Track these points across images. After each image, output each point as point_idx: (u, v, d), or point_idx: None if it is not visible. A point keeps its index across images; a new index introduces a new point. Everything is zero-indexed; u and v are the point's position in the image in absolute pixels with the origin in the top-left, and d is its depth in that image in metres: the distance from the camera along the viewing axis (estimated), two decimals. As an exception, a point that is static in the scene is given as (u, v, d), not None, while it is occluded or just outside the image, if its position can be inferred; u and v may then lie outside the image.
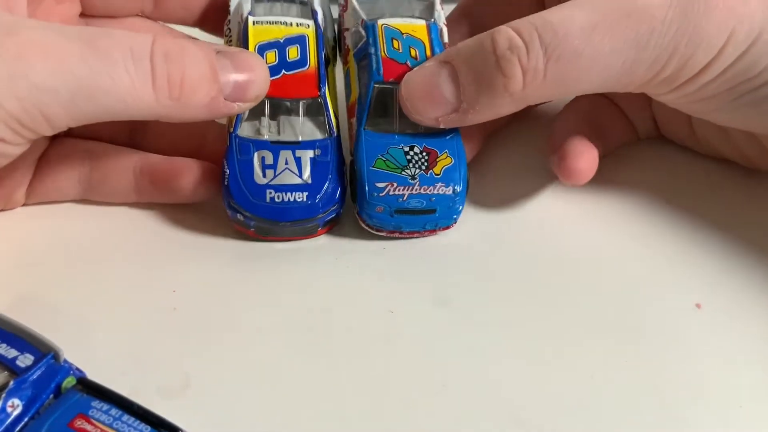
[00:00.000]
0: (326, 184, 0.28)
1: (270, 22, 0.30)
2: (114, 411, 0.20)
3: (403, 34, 0.30)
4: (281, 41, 0.29)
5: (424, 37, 0.30)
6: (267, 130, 0.28)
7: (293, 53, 0.29)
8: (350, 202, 0.29)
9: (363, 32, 0.30)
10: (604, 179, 0.28)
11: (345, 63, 0.31)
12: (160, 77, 0.25)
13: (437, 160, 0.28)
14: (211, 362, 0.24)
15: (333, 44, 0.31)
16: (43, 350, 0.21)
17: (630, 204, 0.31)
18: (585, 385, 0.24)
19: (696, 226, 0.30)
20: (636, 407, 0.23)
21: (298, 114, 0.29)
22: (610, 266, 0.28)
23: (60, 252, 0.28)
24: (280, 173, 0.27)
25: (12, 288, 0.27)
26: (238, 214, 0.27)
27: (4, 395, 0.20)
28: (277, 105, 0.28)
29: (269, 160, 0.27)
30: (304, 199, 0.27)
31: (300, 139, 0.28)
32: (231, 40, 0.30)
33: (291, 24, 0.30)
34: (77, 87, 0.23)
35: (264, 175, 0.27)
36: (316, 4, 0.31)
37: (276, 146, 0.28)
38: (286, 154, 0.28)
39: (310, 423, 0.23)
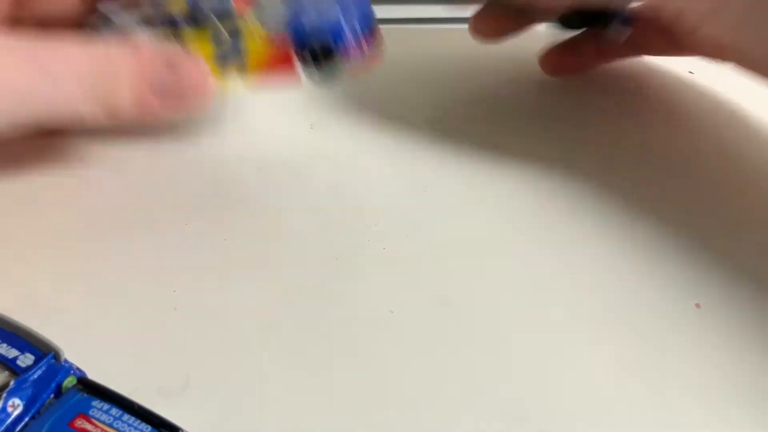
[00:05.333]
0: None
1: None
2: (114, 411, 0.20)
3: None
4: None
5: None
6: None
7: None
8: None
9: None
10: (604, 180, 0.28)
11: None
12: (93, 98, 0.25)
13: None
14: (211, 362, 0.24)
15: None
16: (43, 350, 0.21)
17: (631, 204, 0.31)
18: (584, 385, 0.24)
19: (696, 225, 0.30)
20: (635, 407, 0.23)
21: None
22: (609, 266, 0.28)
23: (60, 252, 0.28)
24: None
25: (12, 288, 0.27)
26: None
27: (4, 395, 0.20)
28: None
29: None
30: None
31: None
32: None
33: None
34: (18, 103, 0.24)
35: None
36: None
37: None
38: None
39: (309, 422, 0.23)
